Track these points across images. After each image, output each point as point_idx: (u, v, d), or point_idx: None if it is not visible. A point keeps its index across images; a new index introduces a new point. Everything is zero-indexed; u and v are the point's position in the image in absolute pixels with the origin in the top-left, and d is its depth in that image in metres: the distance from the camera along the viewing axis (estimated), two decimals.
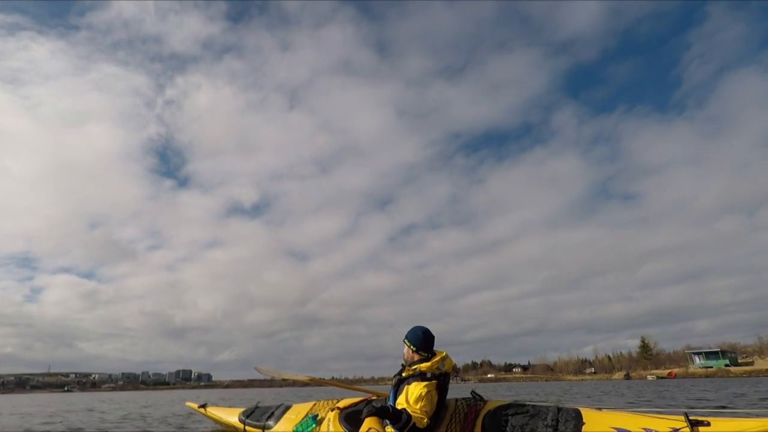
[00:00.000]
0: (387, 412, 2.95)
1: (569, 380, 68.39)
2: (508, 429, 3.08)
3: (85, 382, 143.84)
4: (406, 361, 3.37)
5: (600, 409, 3.14)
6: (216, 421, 5.20)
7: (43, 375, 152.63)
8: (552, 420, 2.99)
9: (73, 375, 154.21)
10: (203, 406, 5.51)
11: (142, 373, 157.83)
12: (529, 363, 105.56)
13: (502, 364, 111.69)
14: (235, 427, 4.66)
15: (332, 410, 3.83)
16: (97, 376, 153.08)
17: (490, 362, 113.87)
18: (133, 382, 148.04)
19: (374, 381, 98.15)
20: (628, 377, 62.43)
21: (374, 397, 3.82)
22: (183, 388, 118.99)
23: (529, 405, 3.32)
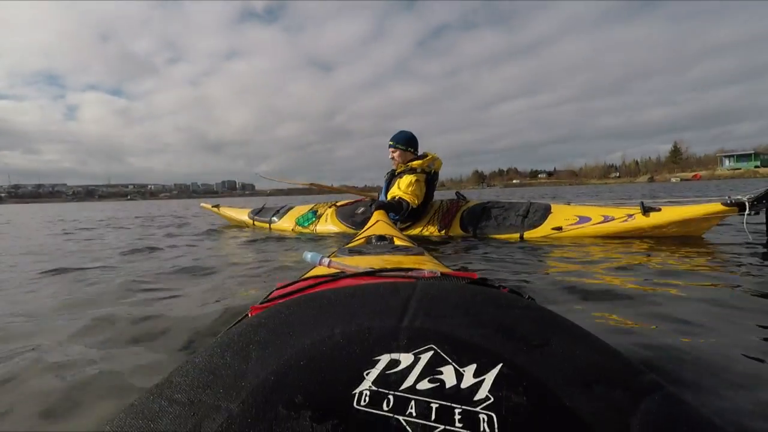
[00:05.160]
0: (391, 205, 3.43)
1: (592, 184, 70.64)
2: (482, 219, 3.53)
3: (144, 192, 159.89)
4: (397, 162, 3.75)
5: (569, 203, 3.48)
6: (228, 219, 5.80)
7: (106, 186, 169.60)
8: (524, 211, 3.42)
9: (132, 186, 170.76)
10: (216, 206, 6.08)
11: (192, 183, 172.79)
12: (554, 169, 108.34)
13: (528, 171, 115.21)
14: (245, 222, 5.30)
15: (330, 207, 4.38)
16: (152, 186, 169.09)
17: (516, 169, 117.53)
18: (185, 191, 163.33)
19: None
20: (651, 180, 63.81)
21: (367, 199, 4.32)
22: (230, 196, 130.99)
23: (505, 202, 3.71)
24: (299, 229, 4.45)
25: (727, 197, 2.73)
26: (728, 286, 1.68)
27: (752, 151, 60.12)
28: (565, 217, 3.23)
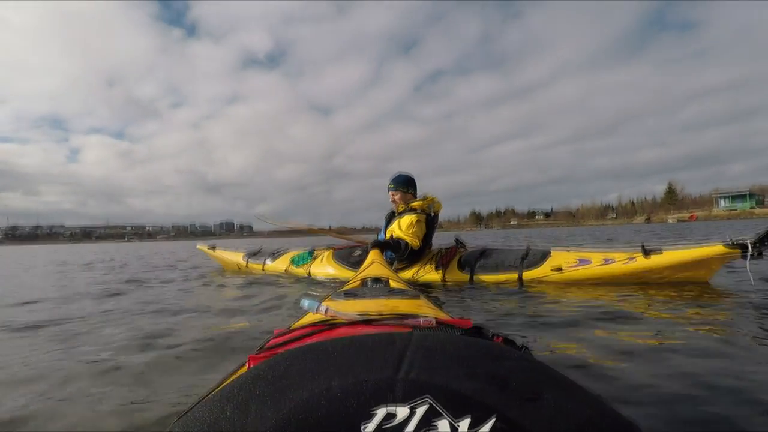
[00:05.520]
0: (388, 244, 3.39)
1: (590, 225, 70.94)
2: (480, 261, 3.43)
3: (142, 233, 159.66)
4: (398, 203, 3.77)
5: (569, 250, 3.40)
6: (222, 262, 5.67)
7: (104, 227, 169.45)
8: (523, 254, 3.35)
9: (130, 227, 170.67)
10: (212, 247, 5.99)
11: (190, 225, 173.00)
12: (551, 210, 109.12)
13: (526, 211, 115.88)
14: (239, 264, 5.19)
15: (327, 250, 4.34)
16: (150, 227, 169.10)
17: (514, 210, 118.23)
18: (183, 232, 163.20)
19: None
20: (648, 221, 64.15)
21: (364, 245, 4.24)
22: (228, 237, 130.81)
23: (504, 248, 3.66)
24: (293, 269, 4.37)
25: (728, 239, 2.68)
26: (730, 338, 1.60)
27: (747, 192, 60.83)
28: (565, 259, 3.15)
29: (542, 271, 3.15)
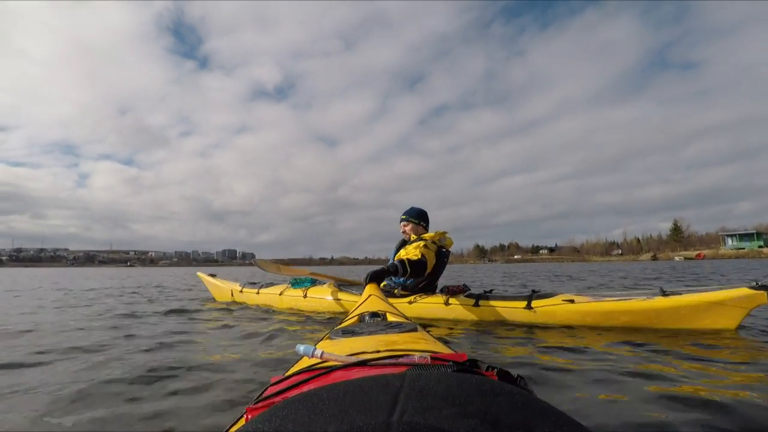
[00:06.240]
0: (385, 271, 3.18)
1: (595, 261, 70.31)
2: (486, 293, 3.29)
3: (144, 259, 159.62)
4: (408, 234, 3.72)
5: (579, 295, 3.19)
6: (217, 289, 5.50)
7: (107, 252, 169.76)
8: (531, 291, 3.18)
9: (133, 252, 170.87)
10: (212, 275, 5.87)
11: (192, 251, 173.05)
12: (556, 245, 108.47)
13: (530, 246, 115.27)
14: (232, 291, 5.08)
15: (329, 280, 4.28)
16: (153, 253, 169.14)
17: (517, 245, 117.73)
18: (185, 259, 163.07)
19: None
20: (655, 258, 63.49)
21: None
22: (230, 265, 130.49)
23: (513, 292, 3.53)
24: (290, 290, 4.24)
25: (754, 281, 2.51)
26: (756, 391, 1.42)
27: (754, 231, 60.34)
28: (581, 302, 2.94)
29: (552, 300, 2.98)
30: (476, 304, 3.18)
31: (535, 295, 3.09)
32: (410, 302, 3.39)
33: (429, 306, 3.34)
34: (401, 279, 3.42)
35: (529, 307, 2.99)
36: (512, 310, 3.06)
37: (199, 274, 6.23)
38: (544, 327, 2.85)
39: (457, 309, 3.23)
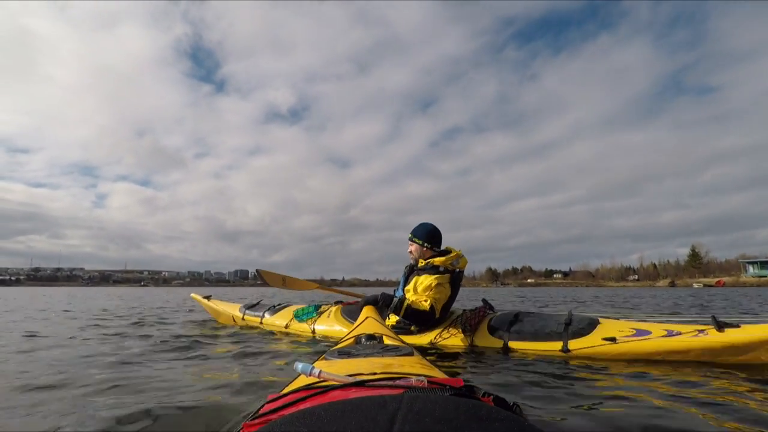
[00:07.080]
0: (383, 303, 2.99)
1: (610, 287, 68.70)
2: (515, 326, 2.96)
3: (158, 278, 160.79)
4: (415, 258, 3.34)
5: (619, 318, 2.95)
6: (214, 314, 5.24)
7: (122, 272, 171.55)
8: (566, 320, 2.85)
9: (147, 272, 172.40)
10: (207, 297, 5.57)
11: (205, 271, 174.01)
12: (570, 269, 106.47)
13: (543, 270, 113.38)
14: (234, 317, 4.76)
15: (335, 304, 3.99)
16: (166, 273, 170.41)
17: (530, 268, 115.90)
18: (198, 278, 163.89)
19: None
20: (673, 285, 61.83)
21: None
22: (242, 285, 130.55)
23: (541, 312, 3.18)
24: (295, 324, 4.00)
25: None
26: None
27: None
28: (618, 329, 2.65)
29: (591, 340, 2.65)
30: (505, 348, 2.88)
31: (570, 328, 2.78)
32: (432, 342, 3.11)
33: (452, 348, 3.06)
34: (408, 322, 3.16)
35: (565, 349, 2.70)
36: (545, 353, 2.75)
37: (193, 295, 6.02)
38: (585, 372, 2.40)
39: (481, 353, 2.90)
